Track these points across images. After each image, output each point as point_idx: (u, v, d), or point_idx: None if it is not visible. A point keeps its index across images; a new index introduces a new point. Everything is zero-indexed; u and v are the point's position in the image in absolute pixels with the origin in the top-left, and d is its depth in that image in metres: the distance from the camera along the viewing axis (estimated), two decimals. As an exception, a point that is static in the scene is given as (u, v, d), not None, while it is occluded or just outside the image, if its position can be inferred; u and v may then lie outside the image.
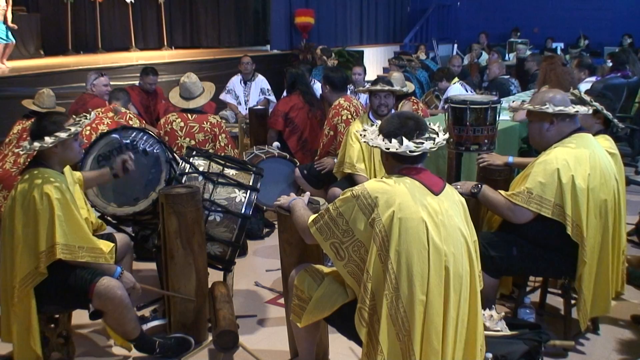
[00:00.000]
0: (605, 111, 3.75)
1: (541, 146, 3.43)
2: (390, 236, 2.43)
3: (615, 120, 3.76)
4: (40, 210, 3.02)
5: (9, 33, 9.79)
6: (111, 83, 6.58)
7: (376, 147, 2.63)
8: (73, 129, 3.15)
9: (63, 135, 3.09)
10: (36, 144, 3.07)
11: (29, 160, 5.00)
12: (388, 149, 2.56)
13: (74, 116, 3.34)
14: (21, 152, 3.15)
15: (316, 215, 2.68)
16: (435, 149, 2.59)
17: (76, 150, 3.27)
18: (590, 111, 3.55)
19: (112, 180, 3.66)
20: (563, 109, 3.31)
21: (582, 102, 3.64)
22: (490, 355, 2.79)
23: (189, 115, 4.83)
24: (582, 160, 3.26)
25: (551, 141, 3.36)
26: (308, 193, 3.20)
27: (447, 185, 2.63)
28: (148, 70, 7.56)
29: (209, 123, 4.83)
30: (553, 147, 3.34)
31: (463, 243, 2.55)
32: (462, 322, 2.51)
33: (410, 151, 2.53)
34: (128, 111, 5.35)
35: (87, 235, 3.13)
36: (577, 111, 3.34)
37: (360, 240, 2.52)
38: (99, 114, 5.12)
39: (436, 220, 2.48)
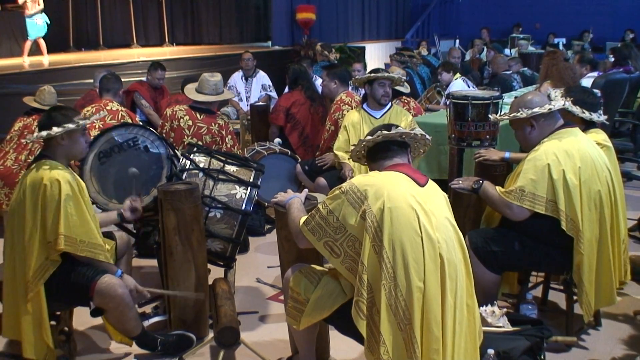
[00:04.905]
0: (572, 108, 3.64)
1: (529, 149, 3.43)
2: (382, 226, 2.45)
3: (592, 115, 3.70)
4: (49, 198, 2.99)
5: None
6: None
7: (364, 145, 2.78)
8: (82, 122, 3.17)
9: (71, 125, 3.09)
10: (43, 133, 3.07)
11: (30, 157, 5.08)
12: (369, 140, 2.74)
13: (85, 112, 3.35)
14: (27, 141, 3.12)
15: (307, 216, 2.69)
16: (410, 133, 2.76)
17: (82, 146, 3.25)
18: (567, 104, 3.51)
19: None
20: (536, 111, 3.30)
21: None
22: (492, 351, 2.78)
23: (198, 115, 4.72)
24: (572, 154, 3.26)
25: (536, 143, 3.37)
26: (306, 190, 3.20)
27: (431, 181, 2.70)
28: (156, 65, 7.47)
29: (217, 125, 4.74)
30: (541, 142, 3.34)
31: (452, 232, 2.57)
32: (461, 309, 2.52)
33: (385, 133, 2.70)
34: (120, 107, 5.20)
35: (92, 230, 3.09)
36: (550, 109, 3.32)
37: (353, 234, 2.53)
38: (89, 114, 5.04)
39: (425, 209, 2.52)
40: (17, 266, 3.08)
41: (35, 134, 3.12)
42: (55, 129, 3.06)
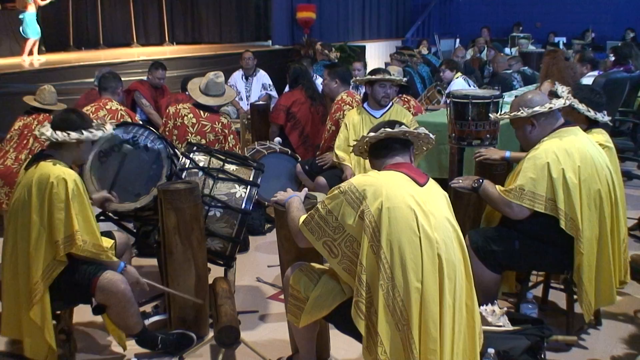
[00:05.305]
0: (578, 105, 3.65)
1: (530, 148, 3.42)
2: (380, 226, 2.45)
3: (597, 115, 3.70)
4: (56, 196, 2.99)
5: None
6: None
7: (366, 141, 2.76)
8: (99, 133, 3.21)
9: (95, 133, 3.15)
10: (60, 135, 3.07)
11: (30, 156, 5.06)
12: (372, 137, 2.71)
13: (97, 121, 3.36)
14: (41, 137, 3.12)
15: (306, 216, 2.69)
16: (414, 132, 2.73)
17: (88, 153, 3.32)
18: (569, 102, 3.52)
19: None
20: (536, 110, 3.30)
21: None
22: (492, 350, 2.78)
23: (202, 113, 4.76)
24: (572, 153, 3.26)
25: (537, 142, 3.36)
26: (306, 189, 3.20)
27: (431, 179, 2.68)
28: (157, 64, 7.46)
29: (220, 124, 4.78)
30: (541, 141, 3.34)
31: (452, 232, 2.56)
32: (460, 310, 2.51)
33: (388, 131, 2.67)
34: (120, 107, 5.16)
35: (94, 230, 3.10)
36: (550, 107, 3.32)
37: (351, 235, 2.53)
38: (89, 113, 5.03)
39: (424, 209, 2.51)
40: (20, 266, 3.06)
41: (48, 133, 3.09)
42: (73, 134, 3.08)
